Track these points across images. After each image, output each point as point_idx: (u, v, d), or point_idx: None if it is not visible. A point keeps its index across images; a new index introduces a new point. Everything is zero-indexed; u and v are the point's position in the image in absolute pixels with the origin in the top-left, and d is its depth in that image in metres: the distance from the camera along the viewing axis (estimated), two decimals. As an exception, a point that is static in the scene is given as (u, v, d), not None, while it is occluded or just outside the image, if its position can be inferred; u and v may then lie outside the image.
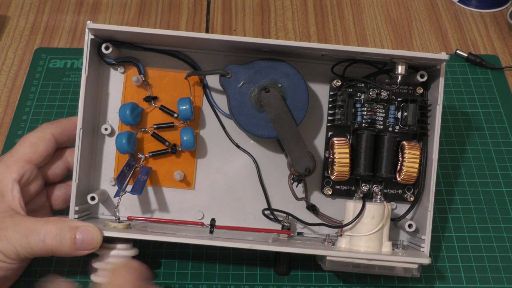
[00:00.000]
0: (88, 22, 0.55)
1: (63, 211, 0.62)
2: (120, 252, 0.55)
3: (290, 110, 0.56)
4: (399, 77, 0.57)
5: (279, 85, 0.57)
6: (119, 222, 0.57)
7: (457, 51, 0.83)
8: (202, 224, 0.59)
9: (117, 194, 0.58)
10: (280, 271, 0.62)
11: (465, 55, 0.83)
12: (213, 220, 0.58)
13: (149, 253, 0.63)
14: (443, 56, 0.56)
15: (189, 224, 0.59)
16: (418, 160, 0.58)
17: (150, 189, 0.62)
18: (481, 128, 0.75)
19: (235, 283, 0.61)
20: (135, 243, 0.57)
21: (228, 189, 0.62)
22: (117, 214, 0.58)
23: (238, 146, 0.62)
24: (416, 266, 0.54)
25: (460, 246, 0.65)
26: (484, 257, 0.64)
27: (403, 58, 0.56)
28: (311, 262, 0.63)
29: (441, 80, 0.57)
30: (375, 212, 0.56)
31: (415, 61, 0.57)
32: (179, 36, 0.54)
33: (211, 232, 0.58)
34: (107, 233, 0.54)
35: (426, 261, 0.54)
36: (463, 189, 0.70)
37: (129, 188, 0.57)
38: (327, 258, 0.54)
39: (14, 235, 0.52)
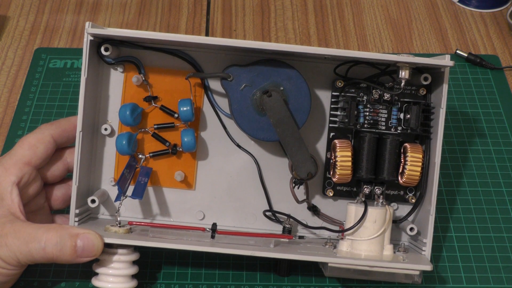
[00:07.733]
0: (86, 24, 0.55)
1: (63, 210, 0.62)
2: (122, 257, 0.55)
3: (292, 114, 0.56)
4: (403, 81, 0.56)
5: (281, 88, 0.57)
6: (120, 226, 0.56)
7: (457, 51, 0.83)
8: (204, 230, 0.58)
9: (117, 199, 0.57)
10: (280, 273, 0.62)
11: (465, 55, 0.83)
12: (214, 224, 0.57)
13: (149, 253, 0.63)
14: (448, 62, 0.55)
15: (191, 229, 0.58)
16: (420, 163, 0.57)
17: (150, 190, 0.62)
18: (481, 128, 0.75)
19: (235, 283, 0.61)
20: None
21: (229, 189, 0.62)
22: (118, 218, 0.57)
23: (239, 146, 0.62)
24: (417, 272, 0.54)
25: (460, 246, 0.65)
26: (484, 257, 0.64)
27: (407, 63, 0.55)
28: (311, 263, 0.62)
29: (445, 86, 0.57)
30: (377, 217, 0.56)
31: (419, 65, 0.57)
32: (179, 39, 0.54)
33: (212, 237, 0.57)
34: (108, 240, 0.53)
35: (428, 268, 0.54)
36: (463, 189, 0.70)
37: (129, 192, 0.57)
38: (329, 264, 0.53)
39: (14, 242, 0.52)
